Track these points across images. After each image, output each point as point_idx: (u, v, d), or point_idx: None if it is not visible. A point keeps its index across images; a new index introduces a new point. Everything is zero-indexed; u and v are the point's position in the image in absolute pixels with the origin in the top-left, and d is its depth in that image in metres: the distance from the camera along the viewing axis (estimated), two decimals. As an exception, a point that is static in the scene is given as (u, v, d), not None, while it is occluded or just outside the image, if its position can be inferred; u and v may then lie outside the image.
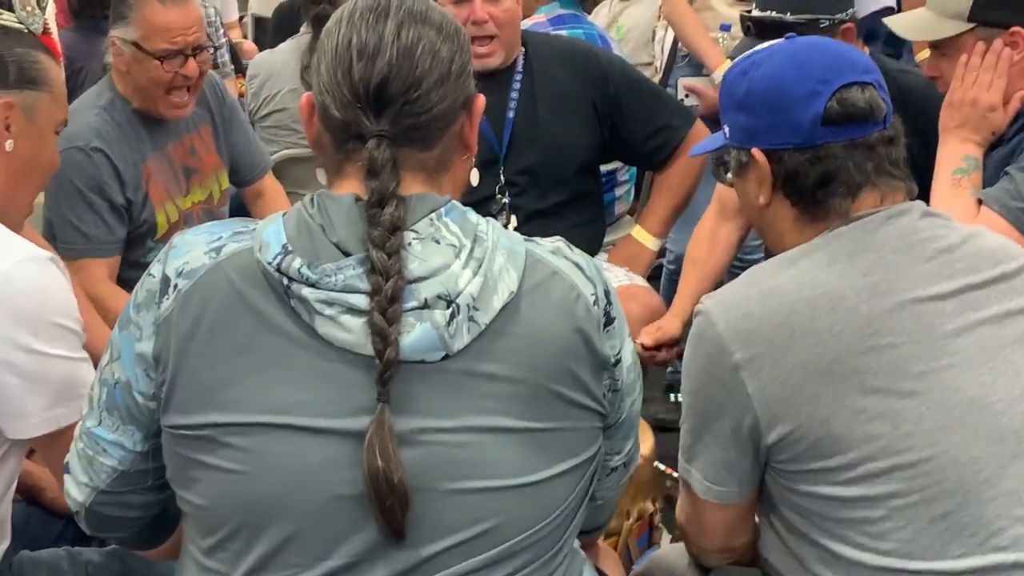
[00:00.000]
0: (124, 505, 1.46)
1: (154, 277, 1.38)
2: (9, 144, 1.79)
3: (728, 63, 3.93)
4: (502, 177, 2.93)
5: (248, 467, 1.32)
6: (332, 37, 1.37)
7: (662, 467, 2.63)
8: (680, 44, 4.06)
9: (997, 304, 1.63)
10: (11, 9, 1.89)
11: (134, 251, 2.88)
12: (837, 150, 1.65)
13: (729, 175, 1.79)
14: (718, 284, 2.83)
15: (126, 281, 2.80)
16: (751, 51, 1.76)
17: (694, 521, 1.76)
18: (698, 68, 3.96)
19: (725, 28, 3.95)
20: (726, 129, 1.78)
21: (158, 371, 1.36)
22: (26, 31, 1.90)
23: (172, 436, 1.37)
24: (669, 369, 3.91)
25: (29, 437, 1.67)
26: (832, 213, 1.67)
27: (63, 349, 1.65)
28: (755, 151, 1.70)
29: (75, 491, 1.47)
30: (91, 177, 2.76)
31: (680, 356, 2.46)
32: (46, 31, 3.64)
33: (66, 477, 1.48)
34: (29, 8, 3.55)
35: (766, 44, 1.77)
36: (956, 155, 2.43)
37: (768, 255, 1.86)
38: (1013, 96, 2.43)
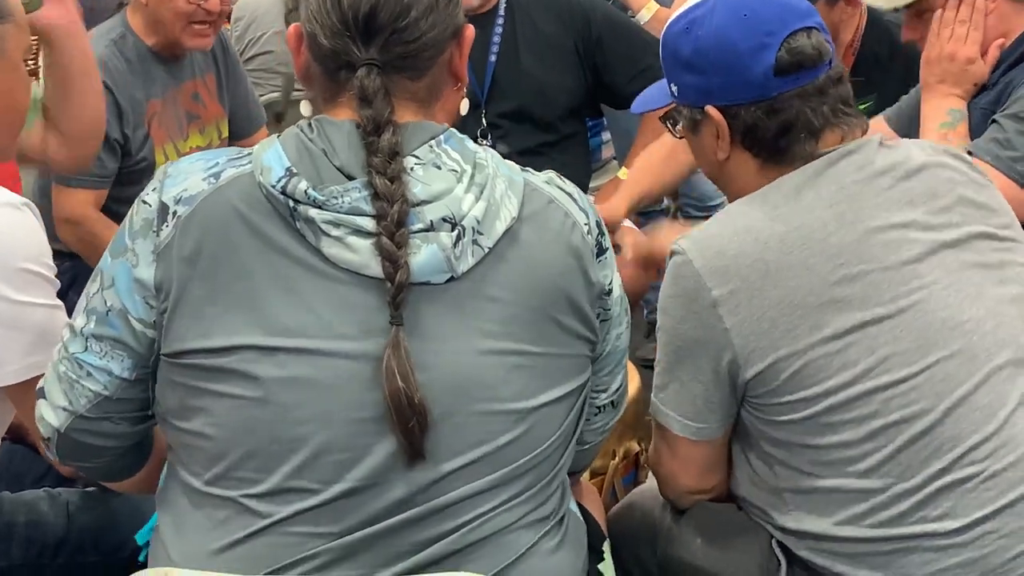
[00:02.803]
0: (100, 434, 1.45)
1: (150, 205, 1.37)
2: None
3: (652, 4, 3.93)
4: (484, 120, 2.93)
5: (260, 392, 1.32)
6: None
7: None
8: None
9: (958, 229, 1.66)
10: None
11: (131, 188, 2.84)
12: (792, 98, 1.66)
13: (679, 128, 1.79)
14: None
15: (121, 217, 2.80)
16: (689, 6, 1.75)
17: (668, 461, 1.78)
18: (621, 8, 3.94)
19: None
20: (674, 88, 1.77)
21: (159, 299, 1.35)
22: None
23: (173, 366, 1.36)
24: (647, 312, 3.92)
25: (3, 385, 1.65)
26: (797, 157, 1.67)
27: (36, 296, 1.62)
28: (709, 109, 1.70)
29: (51, 415, 1.45)
30: None
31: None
32: None
33: (40, 402, 1.46)
34: None
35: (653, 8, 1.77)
36: (940, 109, 2.42)
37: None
38: (991, 45, 2.41)
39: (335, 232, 1.30)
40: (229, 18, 4.56)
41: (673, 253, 1.67)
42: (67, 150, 2.29)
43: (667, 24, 1.78)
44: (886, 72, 2.79)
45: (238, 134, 3.25)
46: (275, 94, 3.89)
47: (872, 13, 2.85)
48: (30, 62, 3.26)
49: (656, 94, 1.90)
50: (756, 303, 1.60)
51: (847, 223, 1.62)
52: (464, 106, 1.48)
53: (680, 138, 1.83)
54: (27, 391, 1.64)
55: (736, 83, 1.67)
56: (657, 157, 2.78)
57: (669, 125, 1.83)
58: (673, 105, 1.80)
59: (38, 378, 1.60)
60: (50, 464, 2.01)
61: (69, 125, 2.25)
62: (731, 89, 1.68)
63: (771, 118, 1.66)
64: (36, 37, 2.12)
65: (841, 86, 1.70)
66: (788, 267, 1.60)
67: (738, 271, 1.61)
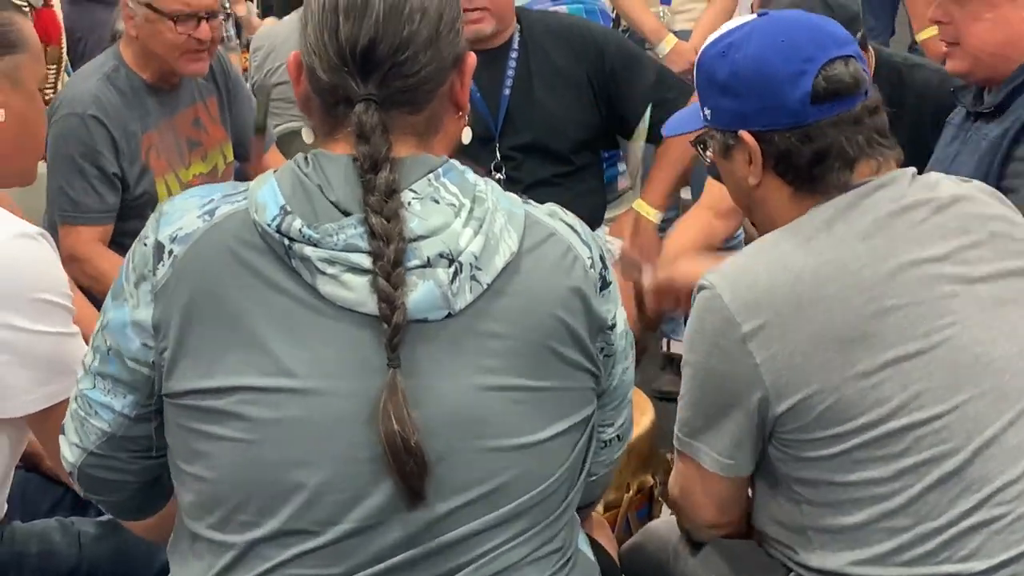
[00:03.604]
0: (114, 469, 1.45)
1: (146, 245, 1.36)
2: (1, 114, 1.77)
3: (671, 37, 3.94)
4: (498, 153, 2.94)
5: (257, 435, 1.31)
6: None
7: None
8: (621, 20, 4.05)
9: (990, 264, 1.65)
10: None
11: (133, 222, 2.82)
12: (827, 127, 1.65)
13: (709, 153, 1.79)
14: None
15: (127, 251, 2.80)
16: (725, 31, 1.75)
17: (690, 494, 1.76)
18: (639, 42, 3.96)
19: (665, 2, 3.95)
20: (707, 112, 1.76)
21: (158, 339, 1.34)
22: None
23: (175, 407, 1.36)
24: (663, 343, 3.91)
25: (22, 415, 1.66)
26: (830, 187, 1.66)
27: (51, 325, 1.64)
28: (743, 134, 1.69)
29: (67, 452, 1.46)
30: (84, 144, 2.76)
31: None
32: (47, 3, 3.66)
33: (60, 438, 1.47)
34: None
35: (739, 21, 1.76)
36: None
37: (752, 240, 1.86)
38: None
39: (330, 270, 1.28)
40: (248, 47, 4.60)
41: (701, 288, 1.66)
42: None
43: (703, 47, 1.78)
44: (898, 113, 2.78)
45: (246, 156, 3.24)
46: (293, 123, 3.90)
47: (882, 55, 2.85)
48: (48, 91, 3.29)
49: (687, 117, 1.90)
50: (789, 337, 1.58)
51: (880, 256, 1.61)
52: (466, 135, 1.45)
53: (710, 162, 1.82)
54: (46, 420, 1.65)
55: (772, 108, 1.66)
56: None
57: (700, 149, 1.82)
58: (704, 129, 1.79)
59: (56, 406, 1.61)
60: (65, 491, 2.02)
61: None
62: (766, 114, 1.67)
63: (806, 145, 1.65)
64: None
65: (877, 116, 1.69)
66: (821, 300, 1.59)
67: (770, 304, 1.59)
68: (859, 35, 2.67)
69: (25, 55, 1.80)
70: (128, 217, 2.86)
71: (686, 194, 3.93)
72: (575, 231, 1.42)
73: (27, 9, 3.55)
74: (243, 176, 3.31)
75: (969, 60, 2.40)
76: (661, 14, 3.91)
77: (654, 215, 3.07)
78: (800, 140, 1.65)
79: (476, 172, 1.39)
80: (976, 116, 2.42)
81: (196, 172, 3.00)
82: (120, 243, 2.84)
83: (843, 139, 1.65)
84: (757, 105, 1.67)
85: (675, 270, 2.47)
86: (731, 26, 1.75)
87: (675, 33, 4.00)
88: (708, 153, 1.80)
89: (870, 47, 2.79)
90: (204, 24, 2.81)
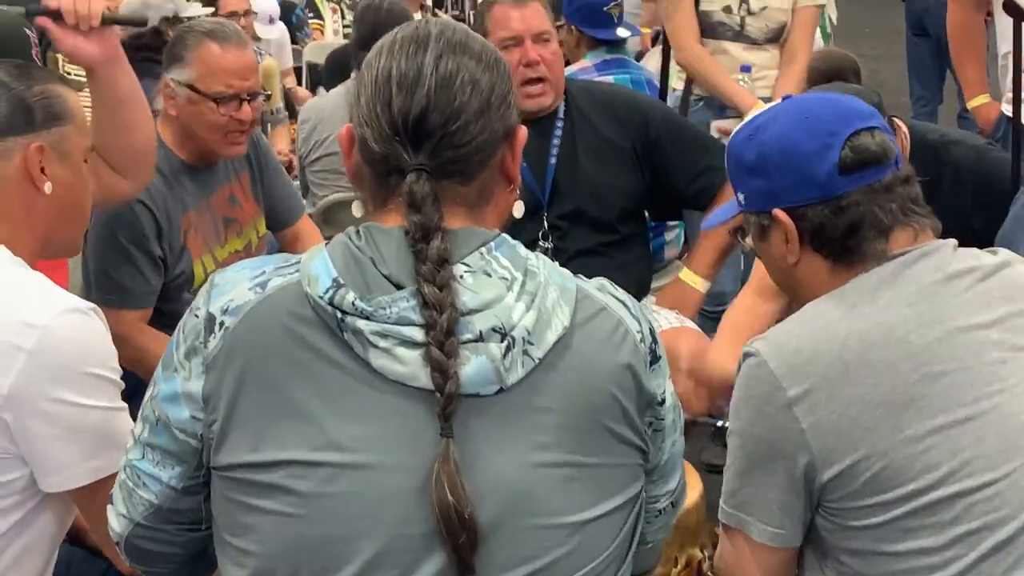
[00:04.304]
0: (160, 541, 1.45)
1: (198, 316, 1.37)
2: (48, 187, 1.78)
3: (761, 104, 3.93)
4: (545, 222, 2.94)
5: (306, 510, 1.30)
6: (371, 69, 1.37)
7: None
8: (693, 88, 4.04)
9: None
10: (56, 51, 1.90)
11: (171, 303, 2.84)
12: (859, 197, 1.66)
13: (748, 239, 1.80)
14: None
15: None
16: (751, 117, 1.78)
17: (740, 568, 1.74)
18: (718, 110, 3.97)
19: (745, 69, 3.97)
20: (740, 197, 1.78)
21: (207, 411, 1.34)
22: (39, 66, 1.91)
23: (223, 480, 1.35)
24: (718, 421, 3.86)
25: (68, 489, 1.67)
26: (868, 256, 1.67)
27: (100, 399, 1.65)
28: (777, 212, 1.70)
29: (115, 522, 1.46)
30: (132, 229, 2.74)
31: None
32: None
33: (108, 508, 1.48)
34: None
35: (764, 108, 1.79)
36: None
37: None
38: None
39: (383, 343, 1.28)
40: (296, 118, 4.65)
41: (747, 355, 1.65)
42: (124, 179, 2.30)
43: (732, 134, 1.80)
44: (936, 192, 2.76)
45: (277, 227, 3.22)
46: (340, 194, 3.93)
47: (916, 133, 2.83)
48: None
49: (724, 209, 1.93)
50: (835, 402, 1.58)
51: (927, 322, 1.60)
52: (519, 208, 1.45)
53: (750, 250, 1.82)
54: (92, 494, 1.66)
55: (801, 183, 1.67)
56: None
57: (739, 237, 1.84)
58: (741, 215, 1.80)
59: (102, 481, 1.61)
60: (108, 566, 2.01)
61: (123, 154, 2.26)
62: (797, 189, 1.68)
63: (838, 217, 1.66)
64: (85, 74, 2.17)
65: (909, 186, 1.69)
66: (868, 365, 1.58)
67: (816, 369, 1.59)
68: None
69: (71, 126, 1.83)
70: (164, 299, 2.84)
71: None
72: (625, 306, 1.42)
73: (38, 67, 3.60)
74: (278, 247, 3.28)
75: None
76: (743, 81, 3.92)
77: (700, 284, 3.06)
78: (833, 212, 1.66)
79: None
80: None
81: (232, 249, 2.99)
82: (154, 325, 2.81)
83: (876, 208, 1.66)
84: (787, 182, 1.68)
85: (710, 361, 2.51)
86: (758, 112, 1.78)
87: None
88: (747, 240, 1.81)
89: (903, 125, 2.78)
90: (246, 105, 2.82)
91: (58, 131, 1.80)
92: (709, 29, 3.95)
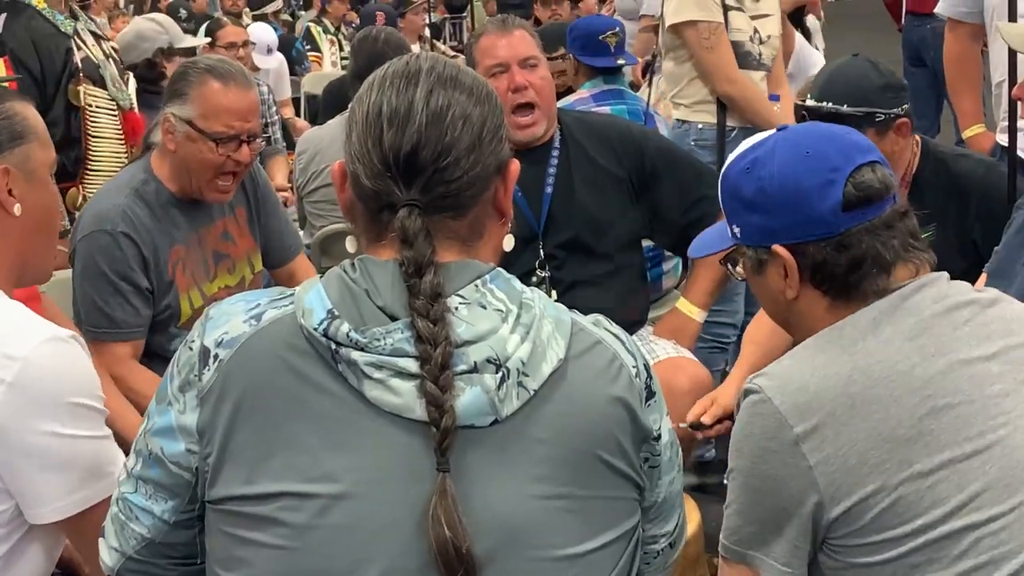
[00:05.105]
0: (153, 575, 1.44)
1: (192, 349, 1.37)
2: (17, 208, 1.74)
3: (979, 126, 3.90)
4: (541, 252, 2.94)
5: (300, 543, 1.29)
6: (363, 104, 1.37)
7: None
8: (728, 122, 4.03)
9: None
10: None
11: (156, 337, 2.82)
12: (861, 233, 1.65)
13: (739, 269, 1.78)
14: None
15: (148, 368, 2.78)
16: (746, 148, 1.75)
17: None
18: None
19: (774, 99, 3.95)
20: (736, 229, 1.76)
21: (202, 444, 1.34)
22: None
23: (218, 513, 1.34)
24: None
25: (54, 521, 1.65)
26: (868, 293, 1.66)
27: (84, 429, 1.63)
28: (777, 248, 1.69)
29: (107, 556, 1.45)
30: (117, 260, 2.72)
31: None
32: (132, 106, 3.71)
33: (100, 541, 1.47)
34: (116, 86, 3.61)
35: (758, 138, 1.76)
36: None
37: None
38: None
39: (377, 375, 1.28)
40: (294, 148, 4.66)
41: (748, 392, 1.63)
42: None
43: (726, 165, 1.78)
44: (944, 203, 2.77)
45: (273, 264, 3.18)
46: (338, 224, 3.93)
47: (927, 145, 2.84)
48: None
49: (714, 236, 1.89)
50: (843, 437, 1.56)
51: (929, 355, 1.60)
52: (508, 242, 1.45)
53: (741, 280, 1.81)
54: (80, 524, 1.64)
55: (803, 221, 1.66)
56: (764, 331, 2.73)
57: (729, 267, 1.82)
58: (734, 247, 1.78)
59: (90, 511, 1.59)
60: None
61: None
62: (799, 227, 1.66)
63: (841, 254, 1.65)
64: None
65: (908, 220, 1.69)
66: (874, 400, 1.57)
67: (822, 405, 1.57)
68: (905, 108, 2.68)
69: (34, 143, 1.78)
70: (150, 332, 2.81)
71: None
72: (621, 341, 1.42)
73: (116, 112, 3.61)
74: (272, 284, 3.23)
75: None
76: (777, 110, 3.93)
77: (697, 314, 3.05)
78: (835, 249, 1.65)
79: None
80: None
81: (221, 285, 2.95)
82: (142, 362, 2.79)
83: (878, 244, 1.65)
84: (788, 219, 1.67)
85: (720, 397, 2.51)
86: (752, 142, 1.75)
87: None
88: (738, 270, 1.79)
89: (917, 136, 2.79)
90: (245, 147, 2.78)
91: (20, 150, 1.76)
92: (741, 59, 3.95)
